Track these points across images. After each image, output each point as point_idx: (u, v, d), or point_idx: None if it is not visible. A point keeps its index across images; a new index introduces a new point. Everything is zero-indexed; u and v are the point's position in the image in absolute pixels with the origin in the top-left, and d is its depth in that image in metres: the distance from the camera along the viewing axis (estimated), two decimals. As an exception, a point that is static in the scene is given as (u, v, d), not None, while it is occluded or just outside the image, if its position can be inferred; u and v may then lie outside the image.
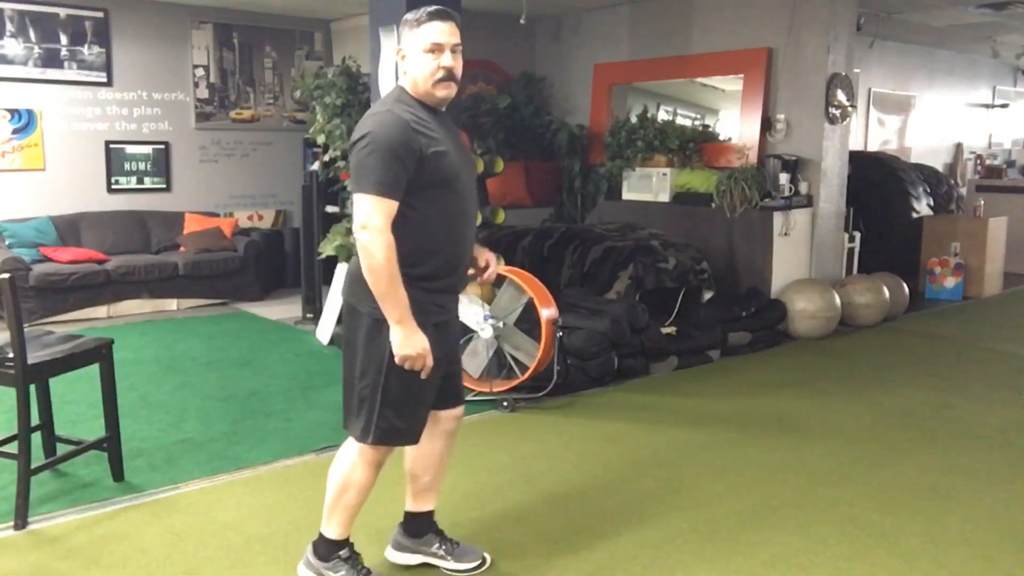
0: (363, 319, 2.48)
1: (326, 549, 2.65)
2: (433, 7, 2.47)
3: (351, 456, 2.59)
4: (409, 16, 2.48)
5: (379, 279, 2.35)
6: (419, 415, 2.58)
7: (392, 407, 2.50)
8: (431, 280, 2.49)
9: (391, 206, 2.36)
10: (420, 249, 2.46)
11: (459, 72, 2.49)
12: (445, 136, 2.49)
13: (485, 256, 2.78)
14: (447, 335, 2.61)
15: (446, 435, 2.78)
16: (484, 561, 2.84)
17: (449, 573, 2.81)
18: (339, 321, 5.25)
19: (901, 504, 3.36)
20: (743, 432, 4.22)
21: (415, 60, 2.46)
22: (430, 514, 2.86)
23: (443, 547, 2.83)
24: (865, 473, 3.69)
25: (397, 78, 2.60)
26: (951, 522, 3.20)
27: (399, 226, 2.39)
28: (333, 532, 2.64)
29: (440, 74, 2.43)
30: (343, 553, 2.64)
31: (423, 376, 2.46)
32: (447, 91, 2.47)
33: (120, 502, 3.34)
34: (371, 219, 2.34)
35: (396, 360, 2.42)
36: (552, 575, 2.81)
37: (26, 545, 2.99)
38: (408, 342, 2.39)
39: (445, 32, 2.44)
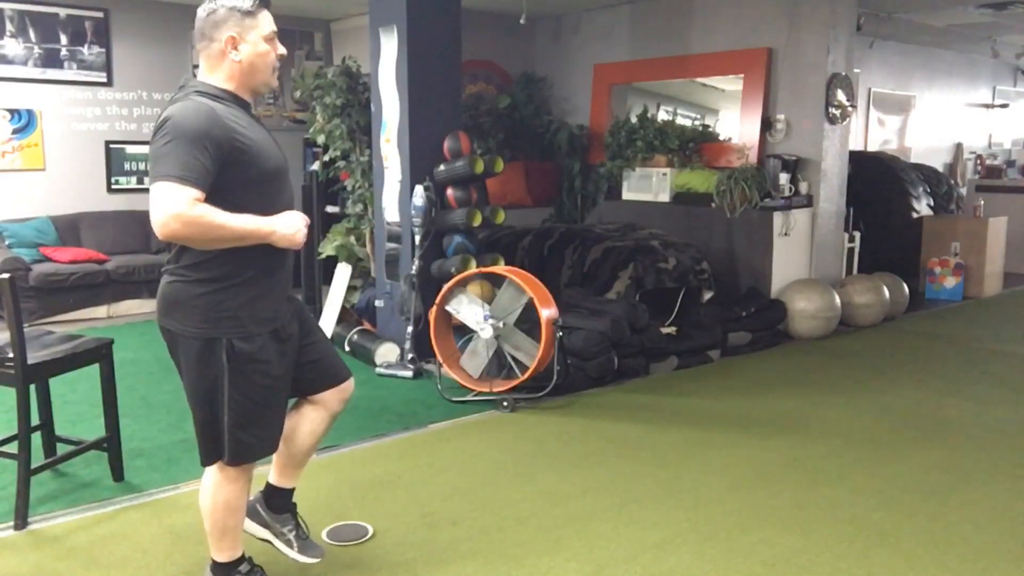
0: (189, 343, 2.30)
1: (224, 573, 2.54)
2: None
3: (212, 480, 2.45)
4: (241, 3, 2.34)
5: (221, 238, 2.19)
6: (271, 426, 2.44)
7: (240, 425, 2.34)
8: (258, 286, 2.33)
9: (194, 195, 2.13)
10: (247, 252, 2.28)
11: None
12: (257, 132, 2.36)
13: None
14: (288, 342, 2.44)
15: (331, 418, 2.67)
16: (321, 558, 2.74)
17: (292, 558, 2.70)
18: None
19: (901, 504, 3.36)
20: (743, 432, 4.22)
21: (256, 49, 2.35)
22: (291, 492, 2.73)
23: (295, 532, 2.71)
24: (865, 473, 3.69)
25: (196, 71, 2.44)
26: (951, 522, 3.20)
27: None
28: (225, 556, 2.52)
29: (277, 63, 2.43)
30: (243, 568, 2.55)
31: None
32: (274, 79, 2.45)
33: (120, 502, 3.35)
34: (177, 206, 2.10)
35: (286, 242, 2.29)
36: (552, 575, 2.81)
37: (26, 545, 2.99)
38: (284, 231, 2.28)
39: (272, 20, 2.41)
